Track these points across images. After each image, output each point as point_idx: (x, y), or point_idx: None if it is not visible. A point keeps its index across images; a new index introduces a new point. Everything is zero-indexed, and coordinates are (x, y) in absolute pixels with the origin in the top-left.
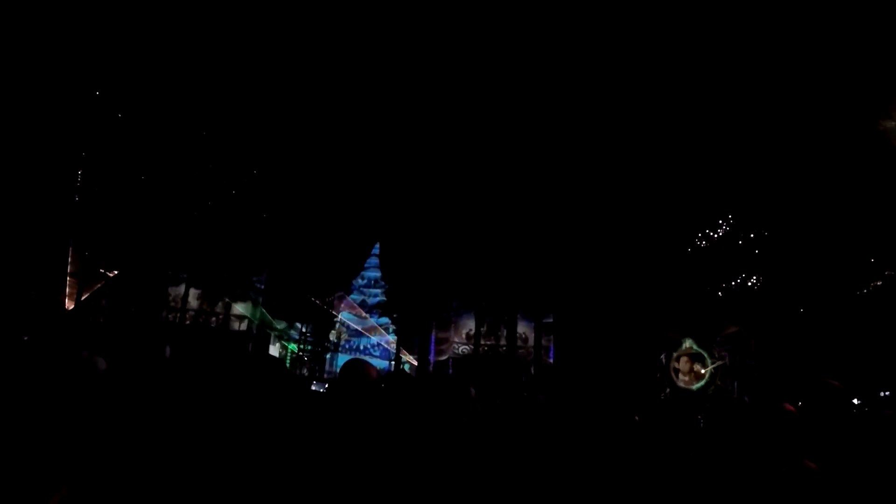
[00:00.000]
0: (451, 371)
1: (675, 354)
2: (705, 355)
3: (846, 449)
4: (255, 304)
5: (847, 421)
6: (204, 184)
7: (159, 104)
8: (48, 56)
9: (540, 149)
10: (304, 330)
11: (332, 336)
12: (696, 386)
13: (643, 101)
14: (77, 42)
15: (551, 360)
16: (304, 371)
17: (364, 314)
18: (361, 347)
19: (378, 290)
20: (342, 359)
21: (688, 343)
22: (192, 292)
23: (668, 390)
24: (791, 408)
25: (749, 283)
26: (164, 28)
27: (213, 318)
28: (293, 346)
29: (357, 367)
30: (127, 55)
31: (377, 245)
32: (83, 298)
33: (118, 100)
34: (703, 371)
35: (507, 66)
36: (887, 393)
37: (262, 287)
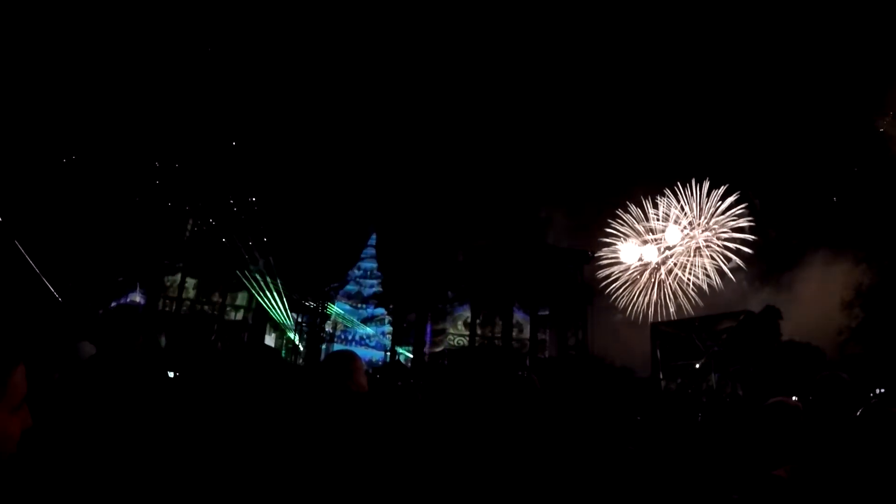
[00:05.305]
0: (446, 362)
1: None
2: None
3: (853, 442)
4: (251, 294)
5: (854, 413)
6: (200, 174)
7: (155, 98)
8: (44, 54)
9: (535, 137)
10: (299, 320)
11: (328, 326)
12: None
13: (639, 97)
14: (72, 39)
15: (547, 354)
16: (301, 362)
17: (360, 304)
18: (357, 338)
19: (374, 281)
20: (338, 349)
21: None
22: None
23: (668, 384)
24: (795, 402)
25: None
26: (161, 23)
27: (210, 308)
28: (289, 336)
29: (338, 363)
30: (121, 49)
31: (374, 235)
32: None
33: (114, 95)
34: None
35: (499, 59)
36: (882, 390)
37: (259, 277)
